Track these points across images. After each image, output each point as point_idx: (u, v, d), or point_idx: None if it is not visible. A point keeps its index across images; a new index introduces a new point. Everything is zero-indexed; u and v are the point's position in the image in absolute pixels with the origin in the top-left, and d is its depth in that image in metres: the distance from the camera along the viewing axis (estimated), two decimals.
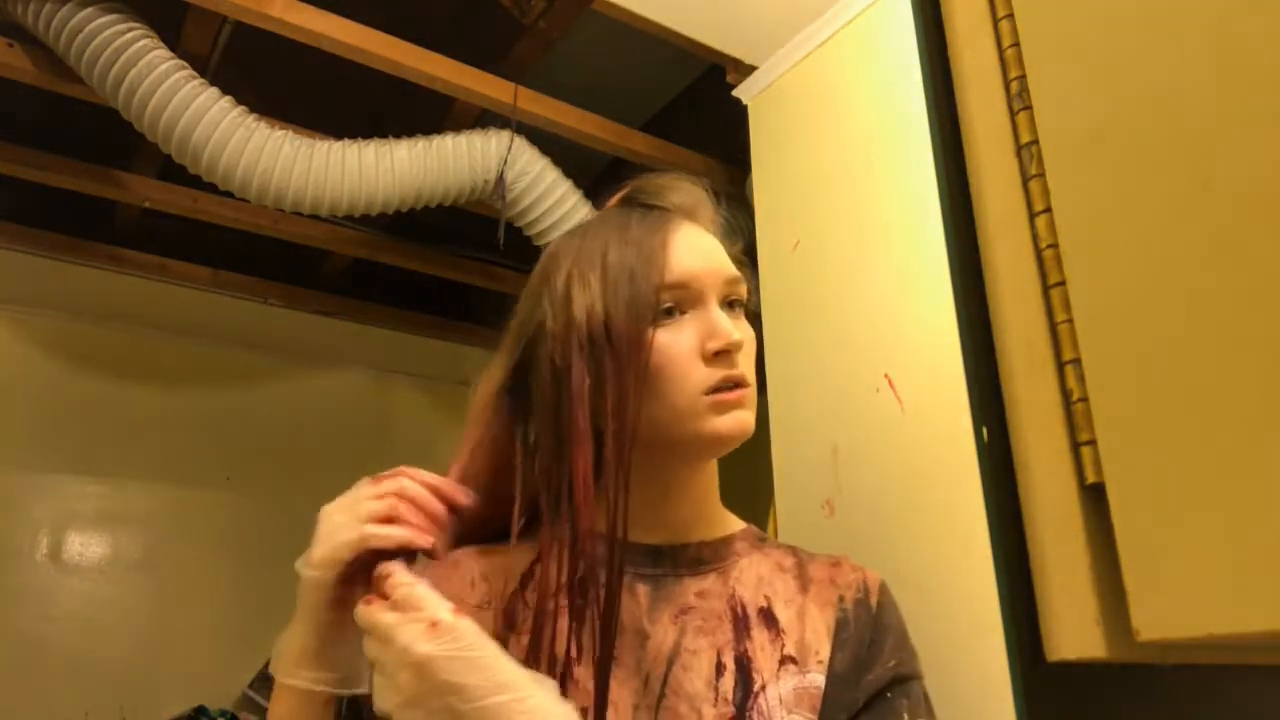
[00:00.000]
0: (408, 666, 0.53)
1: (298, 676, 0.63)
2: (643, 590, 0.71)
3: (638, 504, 0.67)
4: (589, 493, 0.65)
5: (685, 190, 0.77)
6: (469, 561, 0.74)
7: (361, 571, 0.60)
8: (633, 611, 0.69)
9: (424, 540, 0.61)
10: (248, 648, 2.56)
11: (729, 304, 0.73)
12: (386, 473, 0.64)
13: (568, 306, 0.70)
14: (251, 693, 2.52)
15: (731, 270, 0.73)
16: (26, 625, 2.33)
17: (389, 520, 0.60)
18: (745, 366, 0.72)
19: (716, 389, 0.69)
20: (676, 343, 0.69)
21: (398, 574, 0.57)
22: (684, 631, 0.69)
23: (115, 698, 2.36)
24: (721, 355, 0.69)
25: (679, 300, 0.70)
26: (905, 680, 0.71)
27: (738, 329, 0.71)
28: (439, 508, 0.63)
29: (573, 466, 0.66)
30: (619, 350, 0.67)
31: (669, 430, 0.69)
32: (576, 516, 0.65)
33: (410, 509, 0.62)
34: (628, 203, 0.78)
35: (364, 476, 0.66)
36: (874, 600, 0.75)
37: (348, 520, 0.61)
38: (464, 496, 0.65)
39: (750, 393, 0.71)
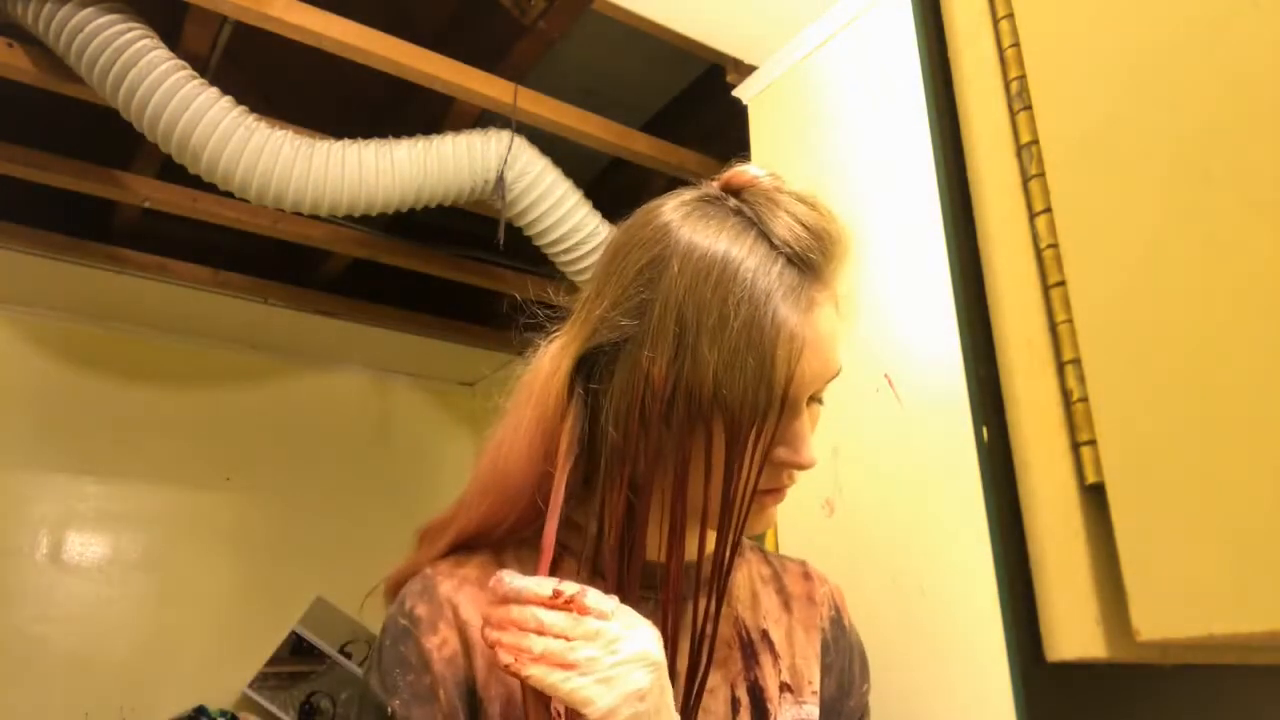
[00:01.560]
0: (649, 666, 0.55)
1: None
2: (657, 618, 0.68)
3: (655, 529, 0.63)
4: (637, 574, 0.62)
5: (841, 250, 0.63)
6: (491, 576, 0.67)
7: None
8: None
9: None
10: (248, 648, 2.56)
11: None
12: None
13: (674, 356, 0.58)
14: (251, 692, 2.52)
15: (838, 367, 0.64)
16: (26, 625, 2.33)
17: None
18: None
19: (767, 491, 0.64)
20: None
21: (591, 592, 0.56)
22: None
23: (115, 698, 2.37)
24: (788, 466, 0.64)
25: (787, 398, 0.61)
26: (867, 701, 0.75)
27: (814, 424, 0.66)
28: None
29: (637, 544, 0.61)
30: (730, 436, 0.59)
31: (703, 501, 0.64)
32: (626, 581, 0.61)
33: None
34: (764, 228, 0.61)
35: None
36: (846, 620, 0.77)
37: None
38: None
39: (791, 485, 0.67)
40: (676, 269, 0.60)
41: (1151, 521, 0.70)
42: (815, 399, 0.65)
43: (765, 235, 0.61)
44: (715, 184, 0.66)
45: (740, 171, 0.65)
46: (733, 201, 0.64)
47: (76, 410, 2.52)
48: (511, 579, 0.56)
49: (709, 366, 0.57)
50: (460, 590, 0.64)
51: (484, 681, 0.61)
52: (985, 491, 0.88)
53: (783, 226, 0.61)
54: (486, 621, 0.56)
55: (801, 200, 0.63)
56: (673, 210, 0.63)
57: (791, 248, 0.60)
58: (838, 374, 0.64)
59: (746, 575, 0.74)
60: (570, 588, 0.56)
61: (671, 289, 0.59)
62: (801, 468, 0.63)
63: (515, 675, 0.54)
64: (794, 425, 0.62)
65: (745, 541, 0.78)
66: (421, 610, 0.63)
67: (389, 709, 0.60)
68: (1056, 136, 0.85)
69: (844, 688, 0.72)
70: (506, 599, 0.56)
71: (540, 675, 0.53)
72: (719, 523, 0.61)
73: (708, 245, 0.60)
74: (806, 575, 0.78)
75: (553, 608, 0.55)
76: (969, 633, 0.86)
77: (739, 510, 0.60)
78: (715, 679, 0.66)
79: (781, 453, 0.62)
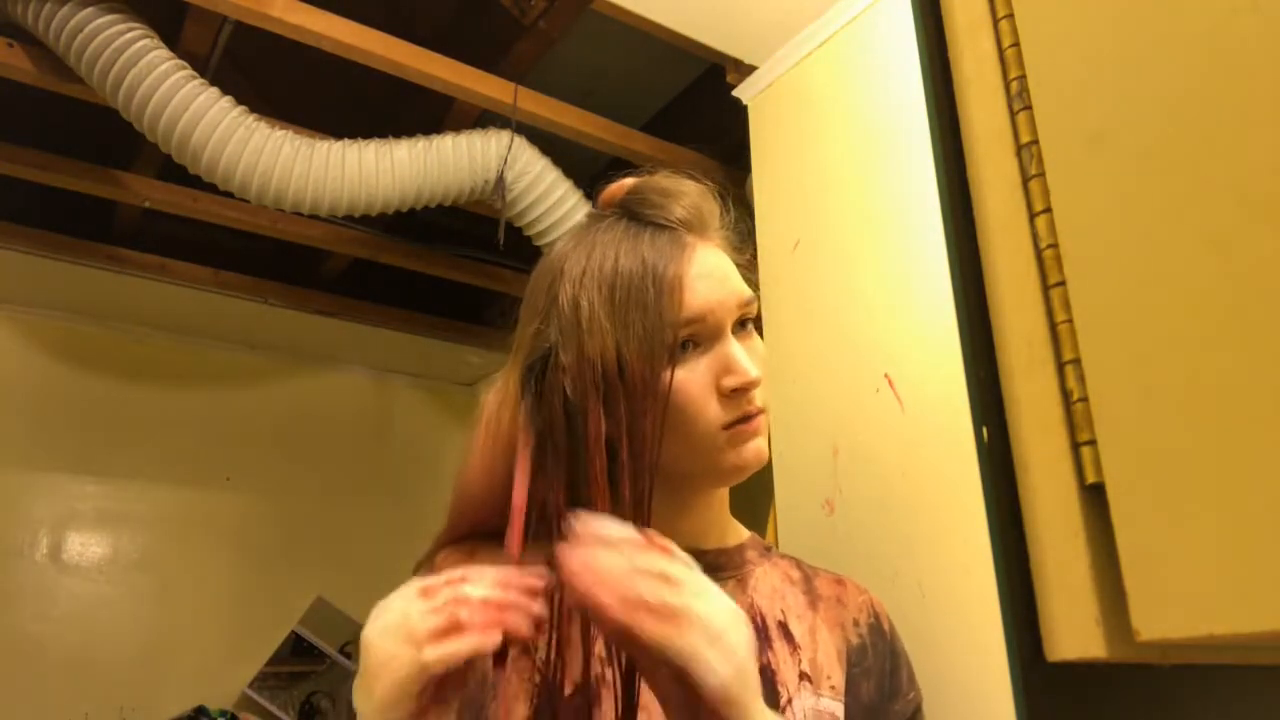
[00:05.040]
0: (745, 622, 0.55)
1: None
2: None
3: (657, 516, 0.65)
4: None
5: (694, 199, 0.71)
6: (484, 553, 0.70)
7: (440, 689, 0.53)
8: None
9: (493, 640, 0.53)
10: (248, 648, 2.56)
11: (740, 323, 0.71)
12: (442, 577, 0.55)
13: (578, 340, 0.65)
14: (251, 692, 2.52)
15: (745, 292, 0.70)
16: (26, 625, 2.33)
17: (449, 631, 0.52)
18: (759, 390, 0.70)
19: (733, 423, 0.67)
20: (692, 380, 0.66)
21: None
22: None
23: (115, 698, 2.37)
24: (739, 391, 0.67)
25: (694, 334, 0.67)
26: (919, 709, 0.74)
27: (752, 353, 0.69)
28: (516, 600, 0.54)
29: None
30: (635, 392, 0.63)
31: (686, 463, 0.68)
32: None
33: (475, 607, 0.53)
34: (631, 214, 0.71)
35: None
36: (886, 626, 0.77)
37: (400, 648, 0.52)
38: (538, 579, 0.55)
39: (765, 418, 0.70)
40: (569, 273, 0.68)
41: (1151, 521, 0.70)
42: (744, 330, 0.70)
43: (633, 217, 0.70)
44: (596, 207, 0.75)
45: (607, 187, 0.75)
46: (607, 212, 0.73)
47: (76, 410, 2.52)
48: (590, 519, 0.55)
49: (609, 334, 0.64)
50: (450, 555, 0.71)
51: None
52: (985, 491, 0.88)
53: (644, 204, 0.70)
54: (568, 569, 0.53)
55: (659, 177, 0.73)
56: (563, 240, 0.73)
57: (657, 217, 0.69)
58: (750, 300, 0.70)
59: (770, 574, 0.76)
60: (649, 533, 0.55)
61: (568, 289, 0.67)
62: (748, 385, 0.67)
63: (615, 622, 0.51)
64: (725, 351, 0.67)
65: (772, 546, 0.81)
66: (421, 573, 0.70)
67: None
68: (1056, 136, 0.85)
69: (884, 691, 0.73)
70: (591, 540, 0.54)
71: (648, 624, 0.50)
72: (629, 465, 0.63)
73: (589, 246, 0.69)
74: (839, 582, 0.79)
75: (645, 549, 0.54)
76: (969, 633, 0.86)
77: (650, 447, 0.63)
78: None
79: (726, 380, 0.67)
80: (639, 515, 0.62)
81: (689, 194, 0.71)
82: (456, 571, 0.55)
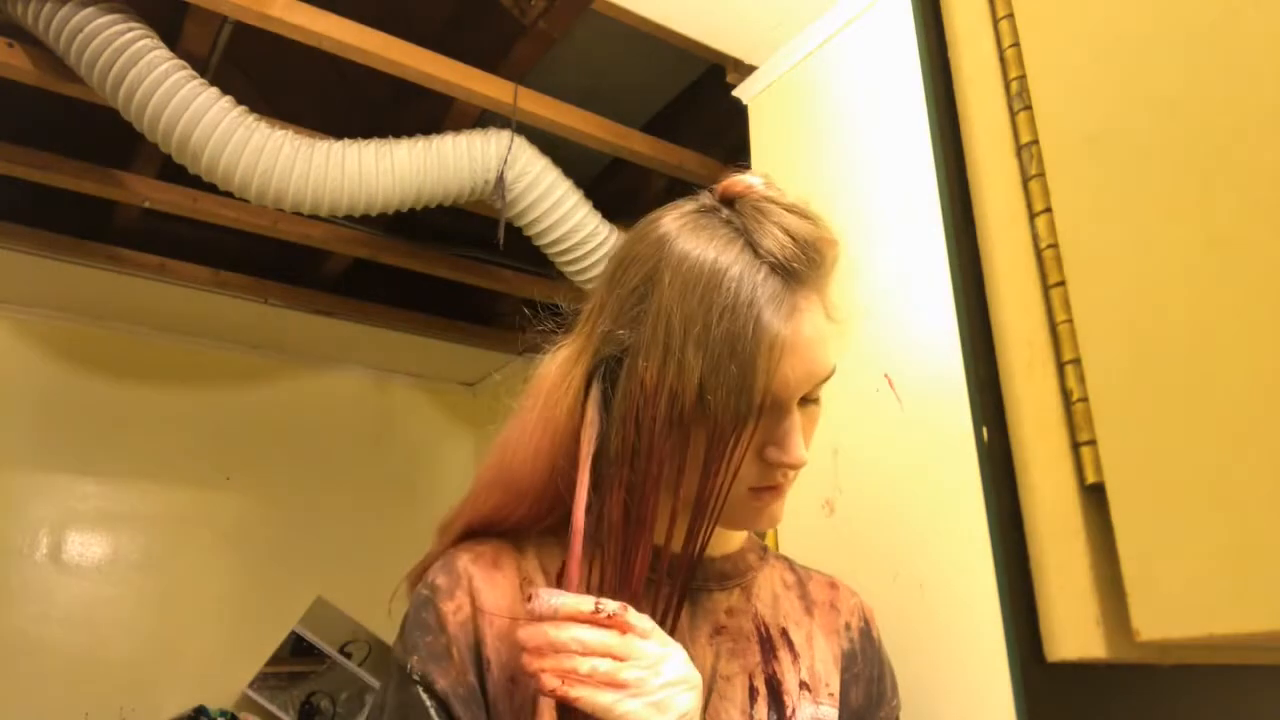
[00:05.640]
0: (692, 688, 0.57)
1: None
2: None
3: (665, 520, 0.65)
4: (643, 575, 0.62)
5: (818, 249, 0.64)
6: (509, 560, 0.69)
7: None
8: (677, 626, 0.67)
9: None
10: (248, 648, 2.56)
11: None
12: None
13: (660, 362, 0.60)
14: (252, 693, 2.52)
15: (829, 368, 0.65)
16: (26, 625, 2.33)
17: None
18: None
19: (762, 489, 0.66)
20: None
21: (631, 610, 0.57)
22: (719, 655, 0.69)
23: (115, 698, 2.37)
24: (781, 465, 0.65)
25: (768, 400, 0.63)
26: (897, 716, 0.75)
27: (809, 423, 0.66)
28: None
29: (633, 547, 0.61)
30: (712, 440, 0.61)
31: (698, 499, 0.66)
32: (629, 591, 0.61)
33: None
34: (750, 238, 0.63)
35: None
36: (875, 633, 0.77)
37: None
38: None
39: (790, 484, 0.68)
40: (668, 281, 0.62)
41: (1151, 521, 0.70)
42: (810, 400, 0.66)
43: (751, 245, 0.63)
44: (713, 193, 0.68)
45: (735, 180, 0.67)
46: (725, 212, 0.66)
47: (76, 410, 2.52)
48: (549, 597, 0.57)
49: (694, 373, 0.59)
50: (476, 563, 0.67)
51: (490, 646, 0.64)
52: (985, 491, 0.88)
53: (768, 236, 0.63)
54: (524, 648, 0.56)
55: (791, 209, 0.65)
56: (669, 223, 0.66)
57: (775, 257, 0.62)
58: (829, 375, 0.65)
59: (769, 579, 0.76)
60: (610, 605, 0.56)
61: (663, 301, 0.62)
62: (792, 467, 0.65)
63: (562, 699, 0.54)
64: (783, 425, 0.64)
65: (768, 547, 0.80)
66: (441, 580, 0.67)
67: (408, 666, 0.63)
68: (1056, 136, 0.85)
69: (872, 698, 0.73)
70: (543, 618, 0.56)
71: (590, 697, 0.53)
72: (691, 519, 0.62)
73: (697, 257, 0.62)
74: (833, 585, 0.79)
75: (594, 625, 0.56)
76: (969, 633, 0.86)
77: (712, 508, 0.62)
78: (734, 668, 0.68)
79: (772, 452, 0.64)
80: (684, 560, 0.62)
81: (814, 243, 0.64)
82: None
